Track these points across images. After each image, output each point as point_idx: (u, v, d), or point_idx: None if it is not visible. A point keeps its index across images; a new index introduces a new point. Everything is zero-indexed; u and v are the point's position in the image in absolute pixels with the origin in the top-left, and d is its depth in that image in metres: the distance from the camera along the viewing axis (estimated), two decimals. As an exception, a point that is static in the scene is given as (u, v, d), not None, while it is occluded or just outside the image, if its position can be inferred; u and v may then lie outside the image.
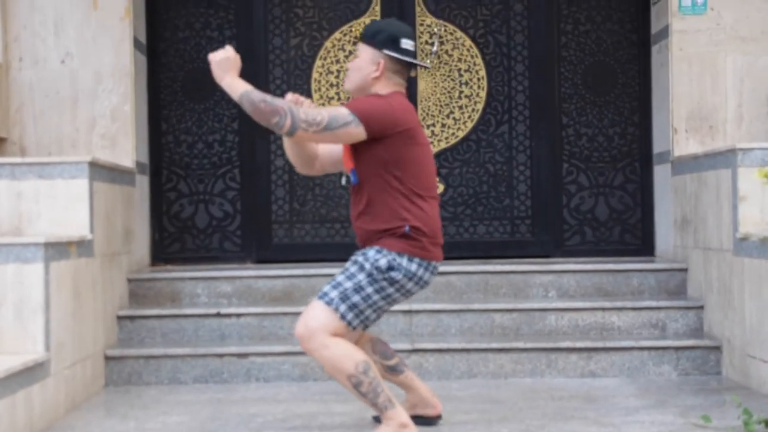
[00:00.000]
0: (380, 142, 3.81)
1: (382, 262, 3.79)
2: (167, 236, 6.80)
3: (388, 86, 3.95)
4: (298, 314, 5.47)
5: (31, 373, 4.22)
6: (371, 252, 3.83)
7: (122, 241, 5.79)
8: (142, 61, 6.54)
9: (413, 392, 4.19)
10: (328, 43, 6.84)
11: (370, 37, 3.98)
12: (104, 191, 5.38)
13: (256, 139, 6.80)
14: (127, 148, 6.13)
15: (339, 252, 6.57)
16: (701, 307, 5.61)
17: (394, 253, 3.79)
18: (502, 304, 5.64)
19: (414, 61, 4.01)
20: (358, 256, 3.88)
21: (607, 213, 6.83)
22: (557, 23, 6.85)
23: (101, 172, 5.34)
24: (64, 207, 5.03)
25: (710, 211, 5.50)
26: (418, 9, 6.81)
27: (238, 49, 6.64)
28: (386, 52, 3.92)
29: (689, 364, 5.39)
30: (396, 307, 5.53)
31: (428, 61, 6.76)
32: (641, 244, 6.77)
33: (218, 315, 5.61)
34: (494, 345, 5.38)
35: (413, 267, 3.82)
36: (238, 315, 5.61)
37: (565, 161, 6.83)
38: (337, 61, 6.82)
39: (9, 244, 4.41)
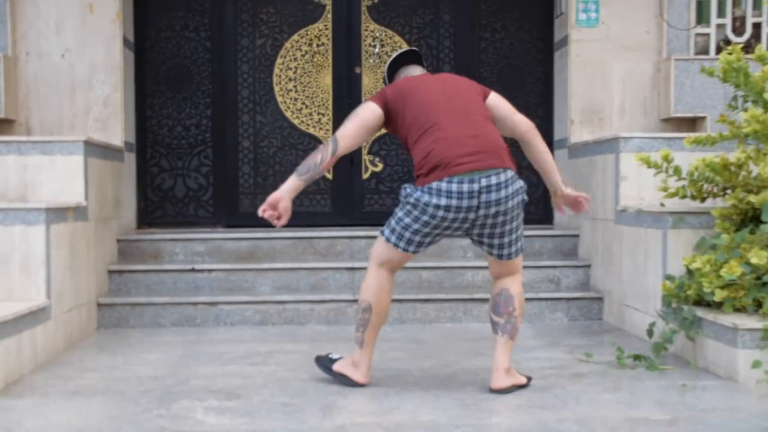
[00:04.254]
0: (390, 124, 3.70)
1: (404, 191, 3.58)
2: (151, 204, 6.80)
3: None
4: (260, 270, 5.64)
5: (35, 316, 4.25)
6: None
7: (112, 207, 5.80)
8: (130, 57, 6.52)
9: (494, 355, 3.71)
10: (287, 44, 6.85)
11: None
12: (97, 166, 5.38)
13: (226, 124, 6.80)
14: (117, 130, 6.11)
15: (295, 219, 6.60)
16: (588, 266, 5.72)
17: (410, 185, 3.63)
18: (429, 263, 5.69)
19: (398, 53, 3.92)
20: None
21: (517, 189, 6.93)
22: (478, 31, 6.89)
23: (95, 149, 5.34)
24: (63, 178, 5.03)
25: (598, 188, 5.58)
26: (363, 17, 6.82)
27: (211, 49, 6.78)
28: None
29: (577, 312, 5.50)
30: (340, 264, 5.63)
31: (371, 60, 6.81)
32: (543, 214, 6.85)
33: (193, 270, 5.63)
34: (421, 296, 5.44)
35: (417, 193, 3.51)
36: (210, 270, 5.63)
37: (483, 146, 6.91)
38: (295, 59, 6.84)
39: (16, 209, 4.41)
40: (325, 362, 3.86)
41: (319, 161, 3.58)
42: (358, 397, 3.58)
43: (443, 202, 3.46)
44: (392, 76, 3.93)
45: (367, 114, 3.65)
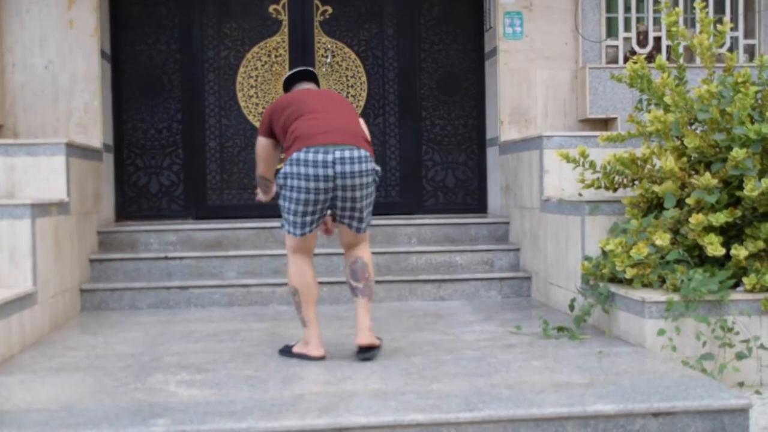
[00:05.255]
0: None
1: (277, 179, 3.63)
2: (127, 199, 6.69)
3: None
4: (226, 257, 5.59)
5: (23, 301, 4.17)
6: None
7: (93, 203, 5.70)
8: (108, 68, 6.40)
9: (357, 316, 3.78)
10: (249, 55, 6.78)
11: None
12: (78, 165, 5.28)
13: (195, 127, 6.72)
14: (96, 133, 6.00)
15: (257, 211, 6.59)
16: (518, 249, 5.75)
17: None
18: (378, 249, 5.67)
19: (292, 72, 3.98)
20: None
21: (454, 182, 6.94)
22: (418, 43, 6.88)
23: (76, 150, 5.24)
24: (47, 177, 4.93)
25: (525, 180, 5.62)
26: (316, 31, 6.78)
27: (181, 60, 6.69)
28: None
29: (509, 290, 5.52)
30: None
31: (324, 69, 6.78)
32: (477, 204, 6.87)
33: (166, 258, 5.56)
34: (371, 278, 5.46)
35: (286, 168, 3.55)
36: (181, 258, 5.57)
37: (424, 144, 6.91)
38: (255, 69, 6.78)
39: (4, 204, 4.32)
40: (286, 351, 3.85)
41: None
42: (315, 369, 3.56)
43: (302, 170, 3.50)
44: (287, 89, 3.97)
45: (261, 150, 3.86)
